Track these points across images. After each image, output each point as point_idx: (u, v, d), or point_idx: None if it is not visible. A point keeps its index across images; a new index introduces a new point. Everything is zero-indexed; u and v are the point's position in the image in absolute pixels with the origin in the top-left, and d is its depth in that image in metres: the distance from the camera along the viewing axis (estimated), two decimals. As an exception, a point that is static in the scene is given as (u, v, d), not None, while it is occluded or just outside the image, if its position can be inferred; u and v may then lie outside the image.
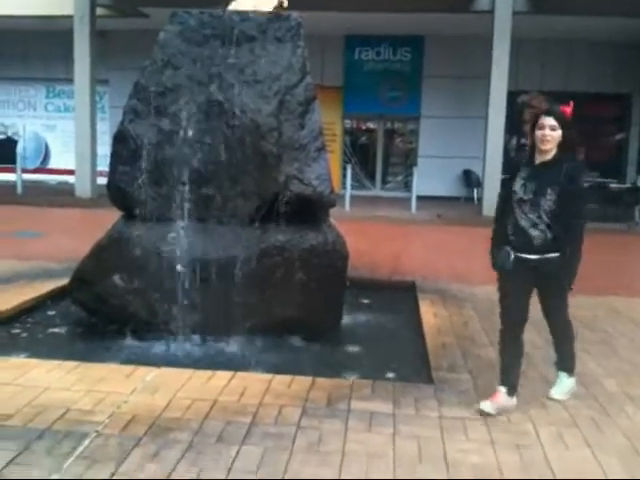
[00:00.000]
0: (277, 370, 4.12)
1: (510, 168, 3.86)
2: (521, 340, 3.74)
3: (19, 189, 14.63)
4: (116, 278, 4.79)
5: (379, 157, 17.32)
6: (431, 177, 15.55)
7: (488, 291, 6.37)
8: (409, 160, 17.02)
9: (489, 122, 12.99)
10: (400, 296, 6.38)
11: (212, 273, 4.79)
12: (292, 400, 3.60)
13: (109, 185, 5.07)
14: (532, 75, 15.56)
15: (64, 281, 5.68)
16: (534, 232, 3.54)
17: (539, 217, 3.52)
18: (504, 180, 3.88)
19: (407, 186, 16.58)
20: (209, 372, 3.97)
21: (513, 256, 3.59)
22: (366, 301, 6.20)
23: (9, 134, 17.84)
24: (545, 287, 3.69)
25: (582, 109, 15.97)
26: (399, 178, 17.28)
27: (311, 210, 5.07)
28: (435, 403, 3.65)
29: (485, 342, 4.80)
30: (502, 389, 3.62)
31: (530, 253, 3.57)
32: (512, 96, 13.94)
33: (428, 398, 3.71)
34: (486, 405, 3.54)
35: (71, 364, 4.04)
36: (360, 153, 17.47)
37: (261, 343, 4.80)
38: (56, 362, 4.09)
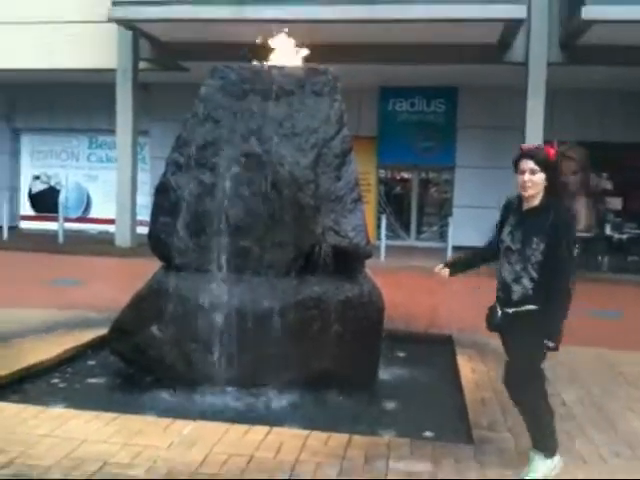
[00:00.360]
0: (313, 425, 4.06)
1: (501, 213, 3.63)
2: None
3: (60, 238, 14.96)
4: (154, 329, 4.83)
5: (414, 207, 17.32)
6: (467, 227, 15.45)
7: (528, 345, 6.28)
8: (444, 210, 16.98)
9: (525, 172, 12.91)
10: (437, 349, 6.28)
11: (248, 324, 4.79)
12: (329, 458, 3.54)
13: (150, 235, 5.15)
14: (567, 125, 15.51)
15: (103, 330, 5.74)
16: (516, 286, 3.33)
17: (524, 269, 3.29)
18: (496, 225, 3.63)
19: (442, 236, 16.52)
20: (245, 426, 3.93)
21: (500, 313, 3.42)
22: (402, 354, 6.12)
23: (52, 184, 18.34)
24: (510, 341, 3.45)
25: (619, 159, 16.01)
26: (434, 228, 17.23)
27: (347, 261, 5.07)
28: (476, 464, 3.55)
29: (526, 398, 4.68)
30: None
31: (510, 307, 3.38)
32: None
33: (468, 459, 3.61)
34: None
35: (109, 416, 4.05)
36: (395, 203, 17.50)
37: (297, 396, 4.75)
38: (94, 413, 4.10)
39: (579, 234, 15.29)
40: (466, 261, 3.82)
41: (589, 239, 14.79)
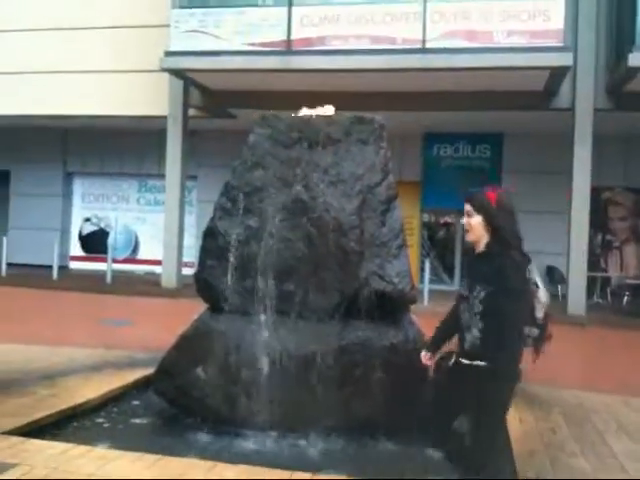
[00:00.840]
0: (357, 472, 4.01)
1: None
2: None
3: (109, 278, 15.29)
4: (199, 370, 4.88)
5: (457, 251, 17.20)
6: (512, 272, 15.24)
7: (578, 395, 6.12)
8: (489, 255, 16.80)
9: (572, 218, 12.77)
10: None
11: (292, 368, 4.80)
12: (372, 506, 3.50)
13: (197, 278, 5.25)
14: (615, 171, 15.33)
15: (149, 370, 5.83)
16: (467, 335, 3.14)
17: (471, 318, 3.13)
18: None
19: (487, 281, 16.29)
20: (287, 472, 3.91)
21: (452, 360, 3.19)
22: (447, 401, 6.01)
23: (102, 226, 18.85)
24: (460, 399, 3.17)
25: (669, 206, 15.59)
26: (478, 272, 17.03)
27: (391, 306, 5.07)
28: (523, 516, 3.45)
29: (575, 451, 4.55)
30: None
31: (463, 357, 3.14)
32: (595, 192, 13.79)
33: (516, 511, 3.52)
34: None
35: (152, 457, 4.07)
36: (438, 247, 17.44)
37: (340, 443, 4.71)
38: (138, 454, 4.13)
39: (630, 281, 14.99)
40: (445, 328, 3.50)
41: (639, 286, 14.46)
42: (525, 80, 11.83)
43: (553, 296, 14.80)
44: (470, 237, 3.21)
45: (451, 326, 3.40)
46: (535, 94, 12.60)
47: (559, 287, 14.92)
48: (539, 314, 3.17)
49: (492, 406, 3.08)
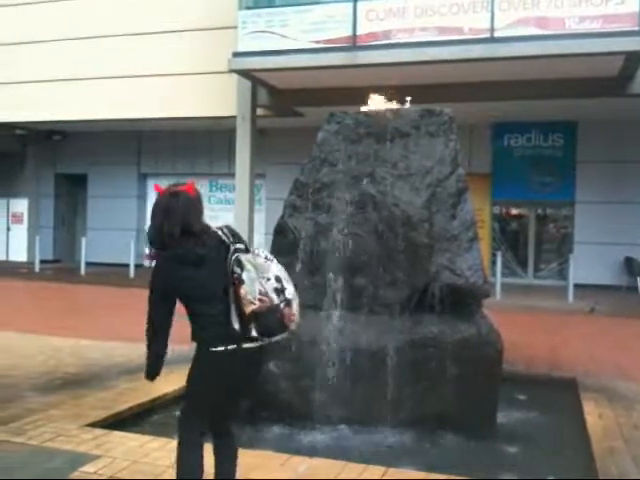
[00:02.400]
0: (430, 467, 3.99)
1: None
2: None
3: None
4: (272, 365, 4.95)
5: (531, 244, 16.80)
6: (589, 265, 14.80)
7: (660, 391, 5.89)
8: (564, 247, 16.35)
9: (652, 207, 12.27)
10: (559, 393, 6.01)
11: (363, 363, 4.82)
12: (448, 501, 3.47)
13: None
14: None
15: (223, 366, 5.96)
16: None
17: None
18: None
19: (561, 274, 15.88)
20: (361, 466, 3.93)
21: None
22: (522, 397, 5.90)
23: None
24: None
25: None
26: (553, 265, 16.60)
27: (464, 300, 5.01)
28: (605, 515, 3.36)
29: (659, 448, 4.38)
30: None
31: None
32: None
33: (597, 509, 3.43)
34: None
35: (228, 449, 4.16)
36: (510, 239, 17.07)
37: (412, 437, 4.70)
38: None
39: None
40: None
41: None
42: (598, 66, 11.41)
43: (632, 288, 14.31)
44: None
45: None
46: (609, 80, 12.13)
47: (638, 279, 14.37)
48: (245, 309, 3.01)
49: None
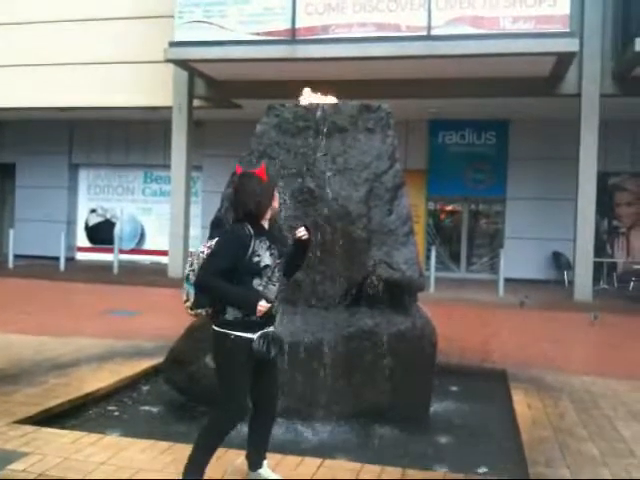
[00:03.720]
0: (365, 459, 4.04)
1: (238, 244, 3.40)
2: None
3: (115, 269, 15.35)
4: (208, 359, 4.90)
5: (464, 239, 17.19)
6: (519, 259, 15.26)
7: (586, 381, 6.14)
8: (495, 242, 16.81)
9: (579, 204, 12.74)
10: (490, 384, 6.18)
11: (300, 355, 4.82)
12: (382, 492, 3.52)
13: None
14: (622, 156, 15.27)
15: (157, 360, 5.89)
16: (277, 302, 3.50)
17: (279, 279, 3.52)
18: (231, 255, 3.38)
19: (493, 268, 16.33)
20: (297, 458, 3.94)
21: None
22: (454, 388, 6.04)
23: (108, 217, 18.90)
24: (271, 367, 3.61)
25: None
26: (484, 260, 17.04)
27: (399, 294, 5.09)
28: (533, 501, 3.47)
29: (585, 436, 4.56)
30: None
31: (268, 327, 3.46)
32: (602, 177, 13.75)
33: (525, 496, 3.54)
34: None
35: (164, 445, 4.12)
36: (444, 235, 17.43)
37: (348, 429, 4.74)
38: (149, 442, 4.18)
39: (637, 266, 14.96)
40: None
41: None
42: (531, 66, 11.76)
43: (559, 282, 14.84)
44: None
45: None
46: (541, 80, 12.54)
47: (565, 273, 14.91)
48: None
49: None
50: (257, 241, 3.38)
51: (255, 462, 3.61)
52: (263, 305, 3.31)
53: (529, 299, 12.03)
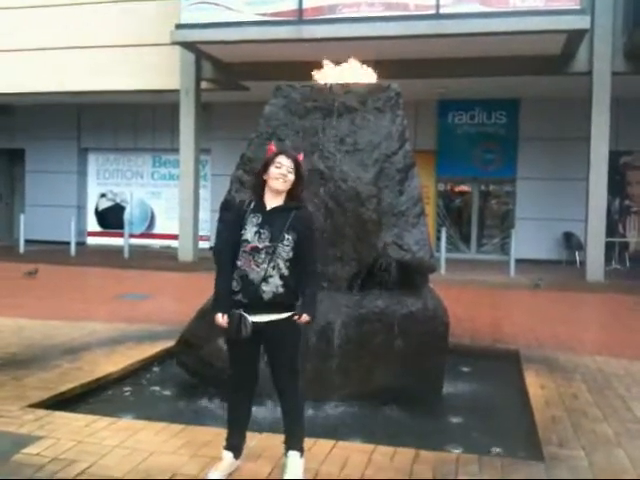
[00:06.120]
0: (378, 440, 4.03)
1: (231, 212, 3.53)
2: (249, 403, 3.59)
3: (126, 253, 15.39)
4: (220, 341, 4.89)
5: (474, 220, 17.11)
6: (530, 240, 15.19)
7: (599, 361, 6.11)
8: (506, 222, 16.72)
9: (590, 184, 12.63)
10: (503, 365, 6.16)
11: (311, 338, 4.81)
12: (396, 473, 3.51)
13: (214, 250, 5.23)
14: (633, 135, 15.10)
15: (169, 343, 5.89)
16: (265, 287, 3.27)
17: (275, 267, 3.28)
18: (227, 222, 3.54)
19: (503, 249, 16.26)
20: (310, 440, 3.92)
21: (250, 321, 3.28)
22: (467, 369, 6.03)
23: (117, 201, 18.93)
24: (274, 354, 3.43)
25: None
26: (495, 241, 16.97)
27: (410, 275, 5.06)
28: (548, 482, 3.46)
29: (599, 416, 4.54)
30: (228, 454, 3.50)
31: (260, 312, 3.30)
32: (613, 156, 13.61)
33: (539, 476, 3.52)
34: (214, 474, 3.39)
35: (177, 427, 4.12)
36: (454, 216, 17.36)
37: (360, 411, 4.74)
38: (162, 424, 4.18)
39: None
40: (229, 286, 3.39)
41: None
42: (541, 44, 11.61)
43: (571, 262, 14.76)
44: (283, 187, 3.39)
45: (230, 283, 3.38)
46: (552, 58, 12.38)
47: (577, 253, 14.83)
48: None
49: (299, 344, 3.51)
50: (251, 215, 3.36)
51: (285, 446, 3.52)
52: (217, 318, 3.36)
53: (543, 281, 11.96)
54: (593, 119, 12.49)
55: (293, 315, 3.37)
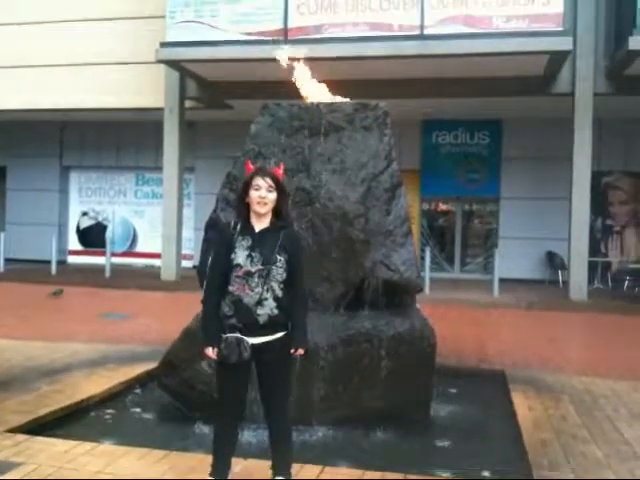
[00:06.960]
0: (366, 465, 3.96)
1: (217, 232, 3.51)
2: (236, 429, 3.49)
3: (107, 272, 15.20)
4: (204, 364, 4.81)
5: (458, 239, 17.15)
6: (513, 259, 15.23)
7: (585, 382, 6.08)
8: (489, 242, 16.77)
9: (573, 203, 12.71)
10: (489, 386, 6.11)
11: (296, 360, 4.73)
12: (385, 498, 3.44)
13: (199, 270, 5.16)
14: (615, 155, 15.28)
15: (151, 365, 5.78)
16: (260, 310, 3.22)
17: (269, 289, 3.23)
18: (213, 243, 3.52)
19: (487, 268, 16.29)
20: (297, 465, 3.84)
21: (250, 343, 3.22)
22: (453, 390, 5.97)
23: (99, 219, 18.75)
24: (267, 375, 3.36)
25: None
26: (479, 260, 17.00)
27: (398, 295, 5.02)
28: (539, 506, 3.40)
29: (587, 438, 4.50)
30: None
31: (256, 335, 3.24)
32: (595, 176, 13.72)
33: (531, 501, 3.46)
34: None
35: (160, 453, 4.02)
36: (438, 235, 17.39)
37: (348, 434, 4.66)
38: (145, 450, 4.08)
39: (631, 265, 14.97)
40: (216, 316, 3.34)
41: (640, 270, 14.46)
42: (524, 65, 11.72)
43: (553, 281, 14.81)
44: (264, 210, 3.31)
45: (219, 311, 3.32)
46: (534, 79, 12.50)
47: (560, 273, 14.88)
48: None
49: (293, 364, 3.59)
50: (239, 237, 3.29)
51: (272, 472, 3.45)
52: (207, 352, 3.32)
53: (521, 300, 11.96)
54: (575, 139, 12.60)
55: (287, 336, 3.32)
